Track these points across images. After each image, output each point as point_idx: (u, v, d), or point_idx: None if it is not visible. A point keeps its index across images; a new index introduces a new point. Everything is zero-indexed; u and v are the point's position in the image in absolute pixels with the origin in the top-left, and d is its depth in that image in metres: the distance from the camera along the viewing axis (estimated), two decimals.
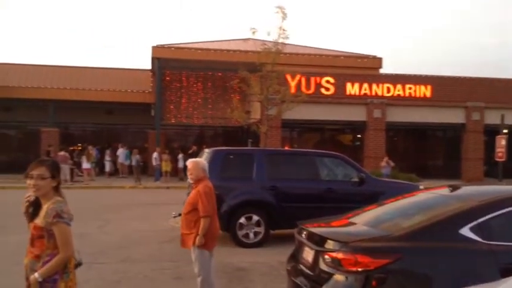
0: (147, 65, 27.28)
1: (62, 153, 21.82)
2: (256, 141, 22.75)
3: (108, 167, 25.46)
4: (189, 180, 9.05)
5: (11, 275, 5.96)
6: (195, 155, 18.40)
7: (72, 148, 26.33)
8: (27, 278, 3.13)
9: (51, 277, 3.09)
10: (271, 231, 9.13)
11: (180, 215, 9.88)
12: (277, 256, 7.94)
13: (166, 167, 23.57)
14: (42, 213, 3.14)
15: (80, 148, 27.18)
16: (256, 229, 8.84)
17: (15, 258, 6.87)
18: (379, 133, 24.08)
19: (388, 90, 24.14)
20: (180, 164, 24.39)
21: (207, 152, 9.47)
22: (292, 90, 21.50)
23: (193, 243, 5.23)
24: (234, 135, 28.15)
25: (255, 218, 8.84)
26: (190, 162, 5.50)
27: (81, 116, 26.90)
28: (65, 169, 21.19)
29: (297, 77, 22.72)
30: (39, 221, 3.13)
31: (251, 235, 8.80)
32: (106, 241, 9.13)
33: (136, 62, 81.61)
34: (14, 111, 26.15)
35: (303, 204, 8.84)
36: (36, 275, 3.06)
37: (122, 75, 27.53)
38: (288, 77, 22.20)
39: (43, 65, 27.12)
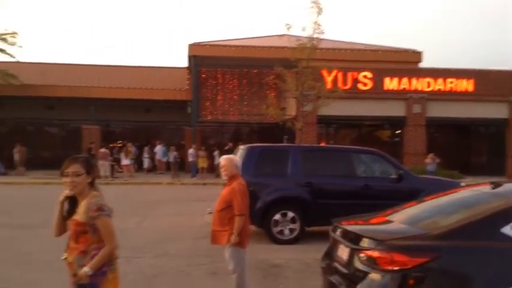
0: (183, 63, 27.65)
1: (103, 150, 22.39)
2: (292, 138, 22.65)
3: (146, 163, 25.96)
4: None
5: (58, 268, 6.18)
6: (231, 151, 18.47)
7: (112, 145, 27.00)
8: (74, 275, 3.16)
9: (100, 270, 3.14)
10: (307, 228, 9.06)
11: None
12: (312, 253, 7.85)
13: (202, 163, 23.82)
14: (81, 209, 3.18)
15: (119, 145, 27.84)
16: (292, 226, 8.79)
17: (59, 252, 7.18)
18: (419, 129, 23.51)
19: (429, 84, 23.52)
20: (216, 161, 24.53)
21: (241, 148, 9.47)
22: (329, 85, 21.27)
23: (228, 241, 5.24)
24: (269, 131, 28.11)
25: (290, 214, 8.78)
26: (223, 159, 5.50)
27: (120, 114, 27.54)
28: (106, 165, 21.79)
29: (334, 73, 22.45)
30: (79, 217, 3.17)
31: (286, 232, 8.75)
32: (144, 236, 9.30)
33: (173, 60, 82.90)
34: (57, 110, 27.04)
35: (339, 201, 8.71)
36: (85, 269, 3.09)
37: (159, 73, 27.99)
38: (324, 73, 21.98)
39: (84, 64, 27.95)
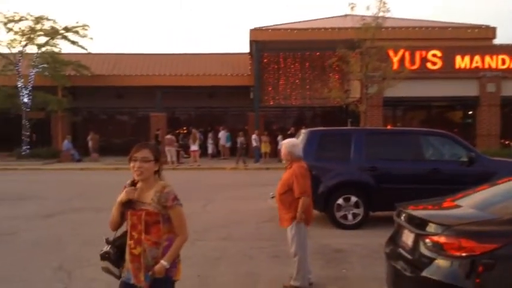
0: (245, 48, 27.71)
1: (169, 136, 23.08)
2: (357, 121, 22.14)
3: (210, 149, 26.47)
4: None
5: None
6: (293, 136, 18.34)
7: (178, 131, 27.79)
8: (146, 267, 3.02)
9: (173, 261, 3.08)
10: (371, 213, 8.84)
11: None
12: (377, 238, 7.63)
13: (265, 148, 23.93)
14: (152, 198, 3.06)
15: (185, 131, 28.58)
16: (355, 210, 8.60)
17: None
18: (493, 109, 22.13)
19: (503, 62, 22.02)
20: (279, 146, 24.58)
21: (303, 132, 9.37)
22: (395, 66, 20.50)
23: (289, 223, 5.26)
24: (333, 115, 27.67)
25: (353, 199, 8.59)
26: (283, 143, 5.53)
27: (185, 101, 28.20)
28: (172, 151, 22.46)
29: (400, 52, 21.55)
30: (151, 207, 3.04)
31: (349, 217, 8.58)
32: (208, 220, 9.49)
33: (235, 46, 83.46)
34: (126, 98, 28.17)
35: (406, 186, 8.39)
36: (163, 262, 3.00)
37: (222, 59, 28.27)
38: (390, 53, 21.17)
39: (151, 54, 28.78)
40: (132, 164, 3.10)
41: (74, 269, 6.00)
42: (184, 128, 29.41)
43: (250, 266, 6.27)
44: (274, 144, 24.79)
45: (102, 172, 20.13)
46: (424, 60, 21.97)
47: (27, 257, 6.68)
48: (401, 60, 21.42)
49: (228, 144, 26.26)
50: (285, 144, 5.46)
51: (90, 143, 25.72)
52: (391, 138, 9.37)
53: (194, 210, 10.58)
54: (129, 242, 3.07)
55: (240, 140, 23.79)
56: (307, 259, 5.35)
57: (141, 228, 3.03)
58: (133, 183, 3.14)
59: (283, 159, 5.53)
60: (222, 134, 26.11)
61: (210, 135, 26.78)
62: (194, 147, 22.90)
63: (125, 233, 3.15)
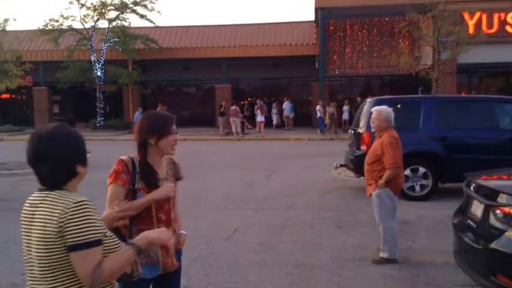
0: (310, 16, 27.12)
1: (233, 107, 23.33)
2: (428, 90, 21.17)
3: (275, 119, 26.47)
4: (355, 131, 8.88)
5: (205, 217, 6.68)
6: (358, 107, 17.83)
7: (242, 102, 28.00)
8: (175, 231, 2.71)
9: None
10: (440, 185, 8.49)
11: (341, 165, 9.86)
12: (445, 210, 7.34)
13: (328, 119, 23.52)
14: (164, 172, 2.71)
15: (248, 102, 28.73)
16: (423, 182, 8.30)
17: (202, 201, 7.85)
18: None
19: None
20: (345, 116, 24.11)
21: (369, 101, 9.07)
22: (471, 30, 19.21)
23: (372, 191, 5.18)
24: (402, 83, 26.61)
25: (422, 170, 8.28)
26: (373, 110, 5.30)
27: (249, 72, 28.27)
28: (237, 122, 22.72)
29: (477, 15, 20.17)
30: (170, 182, 2.69)
31: (417, 188, 8.30)
32: (272, 189, 9.56)
33: (300, 14, 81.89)
34: (192, 71, 28.71)
35: (478, 156, 7.93)
36: (183, 232, 2.78)
37: (286, 29, 27.87)
38: (466, 15, 19.85)
39: (215, 25, 28.93)
40: (172, 138, 2.66)
41: None
42: (249, 99, 29.57)
43: (312, 236, 6.26)
44: (340, 114, 24.32)
45: None
46: (503, 23, 20.45)
47: None
48: (478, 24, 20.04)
49: (292, 115, 26.13)
50: (375, 112, 5.23)
51: None
52: (463, 106, 8.85)
53: (258, 179, 10.72)
54: (158, 227, 2.53)
55: (331, 110, 23.42)
56: (394, 230, 5.14)
57: (169, 207, 2.66)
58: (132, 160, 2.64)
59: (372, 128, 5.35)
60: (286, 105, 25.99)
61: (274, 105, 26.75)
62: (260, 117, 22.98)
63: (122, 226, 2.58)
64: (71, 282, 1.77)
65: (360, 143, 8.60)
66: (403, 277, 4.70)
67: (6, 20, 24.78)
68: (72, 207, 1.74)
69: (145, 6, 25.90)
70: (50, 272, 1.76)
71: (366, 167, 5.31)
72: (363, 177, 9.32)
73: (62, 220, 1.72)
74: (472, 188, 3.87)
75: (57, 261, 1.75)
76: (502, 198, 3.38)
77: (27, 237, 1.84)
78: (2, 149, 17.61)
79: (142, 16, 25.98)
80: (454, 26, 16.65)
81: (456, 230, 4.02)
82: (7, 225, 6.77)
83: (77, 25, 25.97)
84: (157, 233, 2.05)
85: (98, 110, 26.23)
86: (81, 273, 1.74)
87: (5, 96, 28.83)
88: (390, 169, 4.97)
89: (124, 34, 26.05)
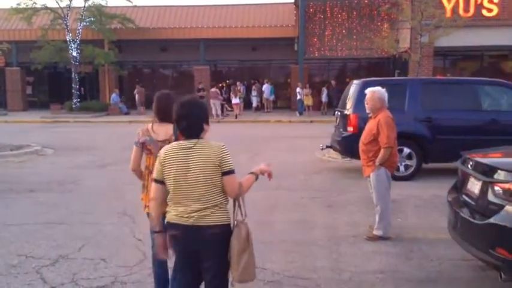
0: None
1: (213, 89, 23.19)
2: (404, 72, 21.48)
3: (254, 102, 26.46)
4: (342, 113, 8.95)
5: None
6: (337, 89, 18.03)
7: (221, 85, 27.84)
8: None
9: None
10: (424, 165, 8.71)
11: (327, 147, 9.97)
12: (430, 189, 7.60)
13: (307, 101, 23.70)
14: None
15: (227, 85, 28.60)
16: (408, 162, 8.50)
17: None
18: None
19: None
20: (323, 98, 24.31)
21: (355, 83, 9.16)
22: (448, 14, 19.50)
23: (370, 172, 5.26)
24: (379, 66, 26.92)
25: (406, 150, 8.46)
26: (367, 91, 5.35)
27: (228, 53, 28.06)
28: (217, 104, 22.61)
29: None
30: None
31: (401, 168, 8.48)
32: None
33: None
34: (170, 52, 28.31)
35: (462, 137, 8.16)
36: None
37: (265, 10, 27.70)
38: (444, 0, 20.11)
39: (193, 6, 28.51)
40: None
41: (136, 214, 6.28)
42: (227, 81, 29.42)
43: (304, 215, 6.36)
44: (318, 96, 24.52)
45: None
46: (479, 7, 20.81)
47: (91, 203, 7.04)
48: (455, 8, 20.36)
49: (272, 97, 26.17)
50: (369, 93, 5.29)
51: (136, 97, 26.25)
52: (447, 88, 9.02)
53: (241, 161, 10.66)
54: None
55: (325, 93, 24.01)
56: (389, 208, 5.30)
57: None
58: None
59: (367, 109, 5.39)
60: (266, 87, 25.98)
61: (253, 88, 26.70)
62: (236, 100, 22.97)
63: None
64: (218, 195, 2.79)
65: (347, 124, 8.72)
66: (398, 253, 4.85)
67: None
68: (223, 148, 2.78)
69: None
70: (209, 189, 2.75)
71: (361, 147, 5.40)
72: (348, 158, 9.54)
73: (219, 156, 2.74)
74: (468, 165, 3.99)
75: (214, 182, 2.75)
76: (500, 175, 3.50)
77: (183, 171, 2.74)
78: None
79: None
80: (436, 9, 16.87)
81: (452, 206, 4.15)
82: None
83: (52, 3, 25.31)
84: (263, 166, 3.11)
85: (73, 91, 25.64)
86: (232, 189, 2.81)
87: None
88: (385, 148, 5.09)
89: (100, 13, 25.43)
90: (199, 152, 2.73)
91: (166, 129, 3.45)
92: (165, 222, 2.88)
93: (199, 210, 2.73)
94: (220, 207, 2.79)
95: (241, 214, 2.87)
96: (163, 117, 3.57)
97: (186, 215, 2.74)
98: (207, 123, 2.85)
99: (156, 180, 2.83)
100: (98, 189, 8.03)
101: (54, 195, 7.63)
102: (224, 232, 2.79)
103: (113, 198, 7.28)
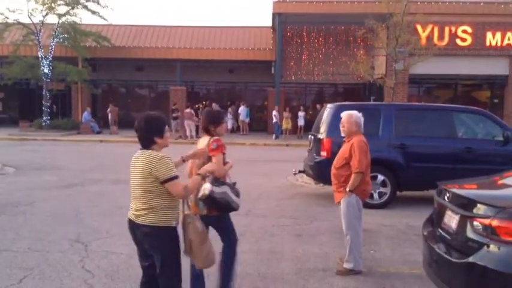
0: (268, 22, 27.04)
1: (188, 110, 22.80)
2: (380, 99, 21.54)
3: (230, 124, 26.15)
4: (315, 137, 8.68)
5: None
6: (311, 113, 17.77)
7: (197, 106, 27.49)
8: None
9: None
10: (398, 193, 8.46)
11: (300, 172, 9.67)
12: (404, 219, 7.34)
13: (286, 124, 23.53)
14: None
15: (203, 106, 28.25)
16: (382, 189, 8.25)
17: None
18: None
19: None
20: (300, 122, 24.18)
21: (329, 107, 8.94)
22: (423, 41, 19.73)
23: (340, 198, 4.99)
24: (356, 92, 27.05)
25: (380, 177, 8.22)
26: (344, 115, 5.12)
27: (205, 75, 27.82)
28: (191, 125, 22.21)
29: (429, 27, 20.76)
30: None
31: (375, 196, 8.22)
32: None
33: (257, 19, 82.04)
34: (146, 71, 27.91)
35: (437, 165, 8.00)
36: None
37: (243, 33, 27.66)
38: (419, 27, 20.38)
39: (171, 26, 28.27)
40: (225, 125, 4.33)
41: (91, 241, 5.81)
42: (204, 102, 29.11)
43: (273, 244, 5.99)
44: (295, 120, 24.36)
45: (121, 144, 20.02)
46: (453, 36, 21.19)
47: (44, 228, 6.51)
48: (430, 36, 20.66)
49: (248, 120, 25.93)
50: (345, 116, 5.07)
51: (109, 116, 25.63)
52: (422, 114, 8.88)
53: None
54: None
55: (303, 115, 24.16)
56: (360, 239, 4.97)
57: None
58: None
59: (342, 131, 5.15)
60: (242, 109, 25.75)
61: (229, 110, 26.43)
62: None
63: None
64: (153, 199, 3.18)
65: (320, 149, 8.45)
66: None
67: None
68: (160, 159, 3.12)
69: (97, 2, 24.88)
70: (143, 194, 3.19)
71: (333, 171, 5.13)
72: (321, 184, 9.24)
73: (154, 167, 3.10)
74: (445, 197, 3.71)
75: (146, 188, 3.17)
76: (480, 209, 3.22)
77: (132, 175, 3.27)
78: None
79: (94, 12, 24.89)
80: (411, 35, 17.04)
81: (427, 240, 3.85)
82: None
83: (24, 19, 24.64)
84: (208, 166, 3.60)
85: (44, 108, 24.87)
86: (177, 193, 3.19)
87: None
88: (356, 174, 4.81)
89: (74, 30, 24.89)
90: (141, 161, 3.18)
91: (204, 141, 4.07)
92: None
93: (136, 210, 3.23)
94: (155, 211, 3.16)
95: (188, 208, 3.53)
96: (204, 130, 4.16)
97: (132, 212, 3.29)
98: (160, 136, 3.23)
99: None
100: (54, 212, 7.49)
101: (4, 218, 7.07)
102: (156, 232, 3.15)
103: (69, 223, 6.77)
